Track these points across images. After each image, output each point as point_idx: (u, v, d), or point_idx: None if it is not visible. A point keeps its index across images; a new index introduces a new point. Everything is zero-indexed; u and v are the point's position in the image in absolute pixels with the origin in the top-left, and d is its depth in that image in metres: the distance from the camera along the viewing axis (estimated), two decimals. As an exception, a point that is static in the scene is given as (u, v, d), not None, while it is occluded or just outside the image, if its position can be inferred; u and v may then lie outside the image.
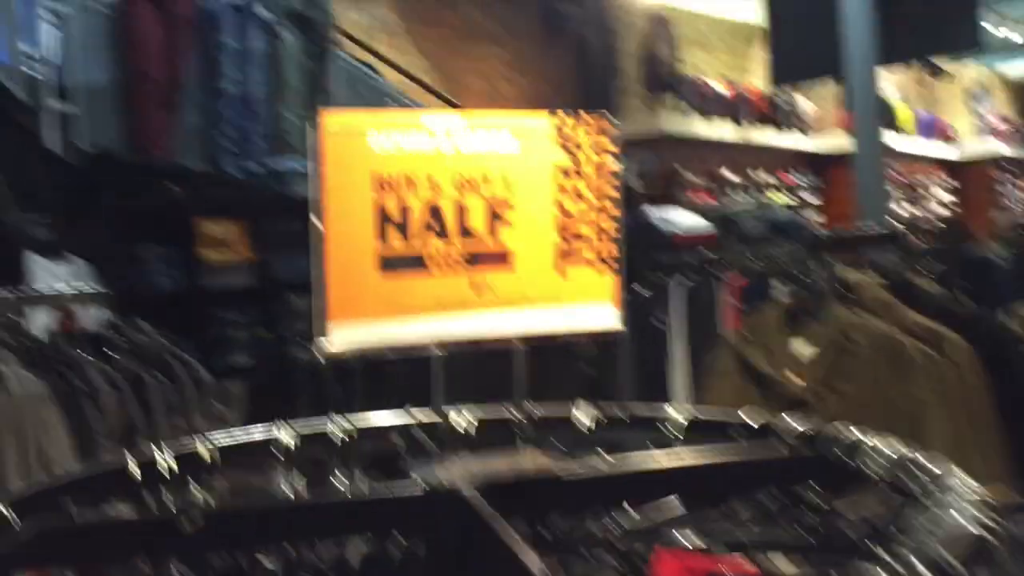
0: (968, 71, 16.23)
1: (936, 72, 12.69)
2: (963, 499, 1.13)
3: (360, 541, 1.19)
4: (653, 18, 13.27)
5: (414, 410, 1.43)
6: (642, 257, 4.12)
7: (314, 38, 6.07)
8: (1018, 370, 2.33)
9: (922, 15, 6.22)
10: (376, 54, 8.77)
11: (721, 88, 13.40)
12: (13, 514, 1.17)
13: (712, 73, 14.01)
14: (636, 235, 5.93)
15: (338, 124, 1.37)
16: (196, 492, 1.35)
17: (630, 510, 1.28)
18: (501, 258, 1.45)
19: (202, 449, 1.41)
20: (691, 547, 1.20)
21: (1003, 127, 16.73)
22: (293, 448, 1.42)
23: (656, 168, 12.20)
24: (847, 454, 1.39)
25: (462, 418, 1.42)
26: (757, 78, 14.20)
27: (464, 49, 11.59)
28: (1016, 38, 14.28)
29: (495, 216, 1.45)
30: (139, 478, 1.33)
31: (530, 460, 1.42)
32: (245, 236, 5.80)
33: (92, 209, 5.05)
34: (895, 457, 1.34)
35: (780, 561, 1.15)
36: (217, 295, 5.32)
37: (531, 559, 1.03)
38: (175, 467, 1.35)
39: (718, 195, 12.81)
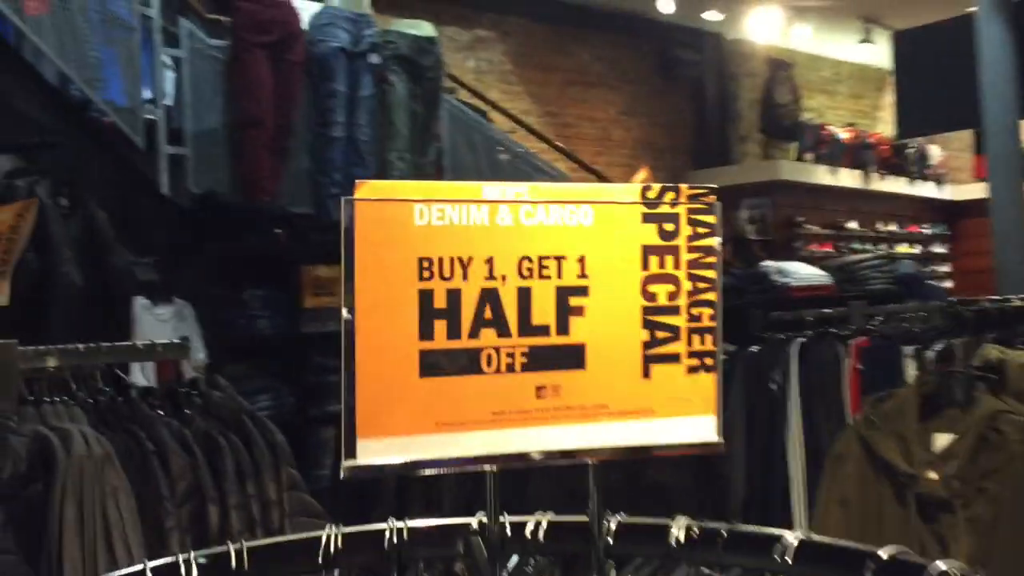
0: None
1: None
2: None
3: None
4: (773, 62, 12.95)
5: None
6: (756, 313, 3.87)
7: (424, 84, 6.03)
8: None
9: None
10: (488, 100, 8.75)
11: (844, 135, 12.96)
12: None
13: (835, 119, 13.58)
14: (750, 289, 5.69)
15: (375, 193, 1.14)
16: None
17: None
18: (573, 356, 1.18)
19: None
20: None
21: None
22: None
23: (773, 217, 11.84)
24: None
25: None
26: (883, 124, 13.72)
27: (577, 95, 11.50)
28: None
29: (566, 305, 1.19)
30: None
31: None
32: (349, 281, 5.75)
33: (198, 252, 5.08)
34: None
35: None
36: (318, 340, 5.26)
37: None
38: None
39: (839, 245, 12.32)
